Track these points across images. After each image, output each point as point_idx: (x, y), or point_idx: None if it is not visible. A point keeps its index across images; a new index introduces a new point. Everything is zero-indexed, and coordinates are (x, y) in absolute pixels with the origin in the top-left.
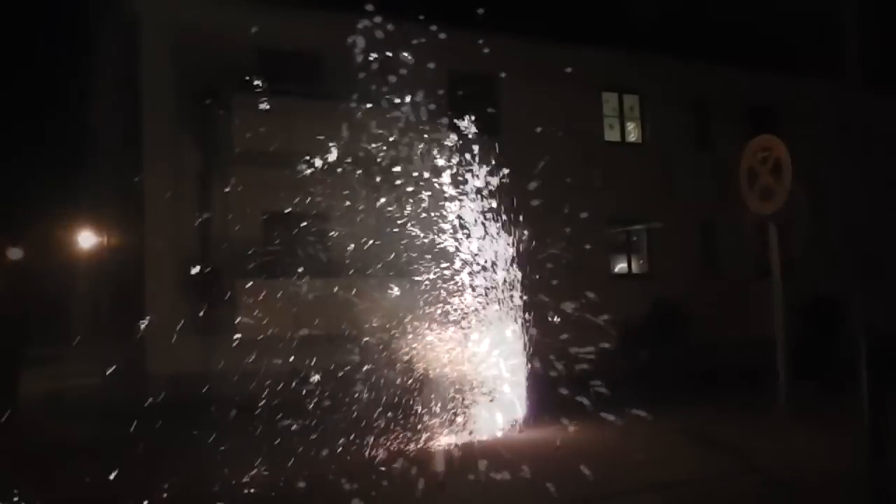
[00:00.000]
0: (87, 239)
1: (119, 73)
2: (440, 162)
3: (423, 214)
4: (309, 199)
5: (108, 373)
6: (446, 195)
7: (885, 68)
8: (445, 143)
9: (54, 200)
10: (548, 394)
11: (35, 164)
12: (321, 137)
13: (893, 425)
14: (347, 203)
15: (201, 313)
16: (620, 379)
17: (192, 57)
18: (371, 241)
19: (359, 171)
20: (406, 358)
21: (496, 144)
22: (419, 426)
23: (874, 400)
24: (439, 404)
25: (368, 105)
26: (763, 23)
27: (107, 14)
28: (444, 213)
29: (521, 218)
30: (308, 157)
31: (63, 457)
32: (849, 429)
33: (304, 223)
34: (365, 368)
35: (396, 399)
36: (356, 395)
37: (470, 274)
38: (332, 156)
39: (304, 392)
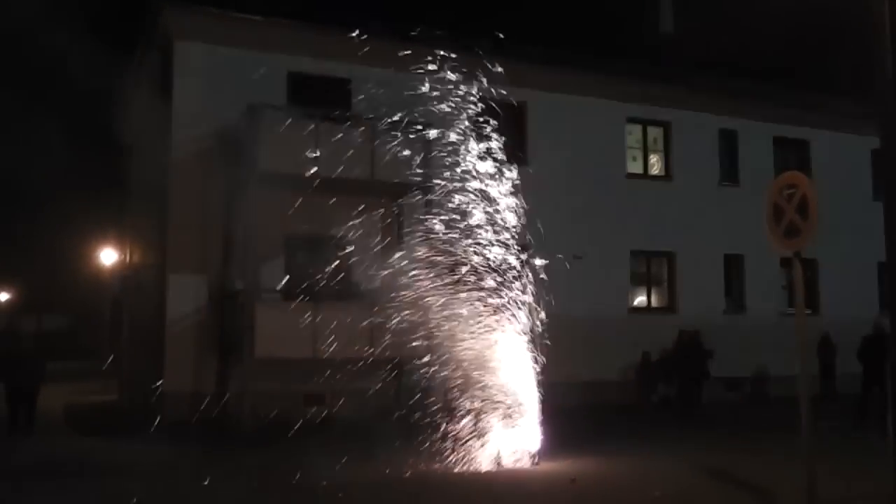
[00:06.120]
0: (111, 257)
1: (149, 94)
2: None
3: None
4: (332, 222)
5: (127, 390)
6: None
7: None
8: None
9: (81, 219)
10: (564, 426)
11: (65, 184)
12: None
13: None
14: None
15: (222, 334)
16: (640, 413)
17: (221, 79)
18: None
19: (382, 198)
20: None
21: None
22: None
23: None
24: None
25: (395, 130)
26: (791, 53)
27: (138, 36)
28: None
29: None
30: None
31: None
32: (875, 467)
33: (327, 246)
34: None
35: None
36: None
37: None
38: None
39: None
